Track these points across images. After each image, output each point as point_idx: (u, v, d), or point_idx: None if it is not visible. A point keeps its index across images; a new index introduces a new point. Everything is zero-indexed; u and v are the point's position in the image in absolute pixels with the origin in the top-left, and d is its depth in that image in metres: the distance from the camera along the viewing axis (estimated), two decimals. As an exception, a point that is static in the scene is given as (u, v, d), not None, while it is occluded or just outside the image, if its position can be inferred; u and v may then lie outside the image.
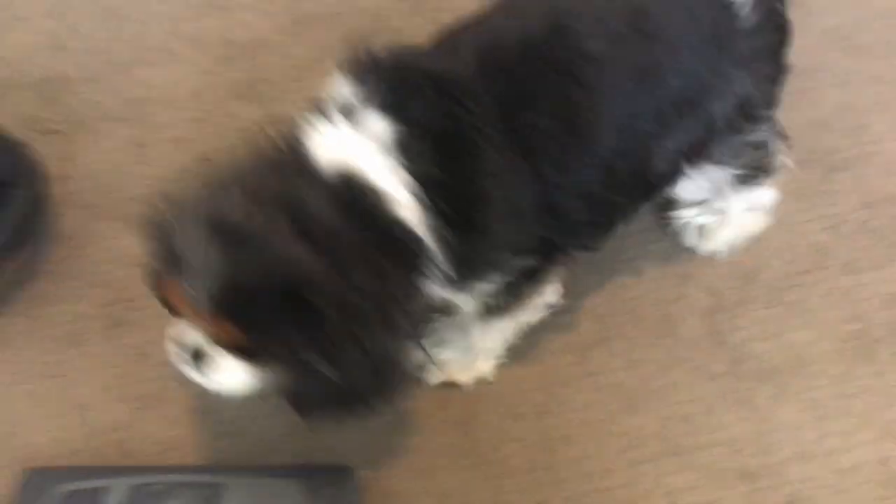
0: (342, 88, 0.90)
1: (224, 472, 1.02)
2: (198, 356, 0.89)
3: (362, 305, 0.80)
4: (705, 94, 0.96)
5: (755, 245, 1.24)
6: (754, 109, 1.00)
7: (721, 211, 1.20)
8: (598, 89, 0.91)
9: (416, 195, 0.84)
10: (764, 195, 1.19)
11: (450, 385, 1.13)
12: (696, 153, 1.01)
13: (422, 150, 0.85)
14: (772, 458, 1.04)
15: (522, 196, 0.90)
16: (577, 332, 1.17)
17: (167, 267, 0.82)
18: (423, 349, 0.91)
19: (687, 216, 1.23)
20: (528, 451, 1.07)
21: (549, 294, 1.07)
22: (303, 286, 0.78)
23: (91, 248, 1.33)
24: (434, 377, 1.13)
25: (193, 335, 0.87)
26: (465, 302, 1.00)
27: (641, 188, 1.01)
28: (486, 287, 0.97)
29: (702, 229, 1.22)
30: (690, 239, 1.23)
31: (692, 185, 1.10)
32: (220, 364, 0.87)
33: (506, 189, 0.89)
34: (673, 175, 1.03)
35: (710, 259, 1.23)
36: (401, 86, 0.88)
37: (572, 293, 1.20)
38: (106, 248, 1.33)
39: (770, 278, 1.20)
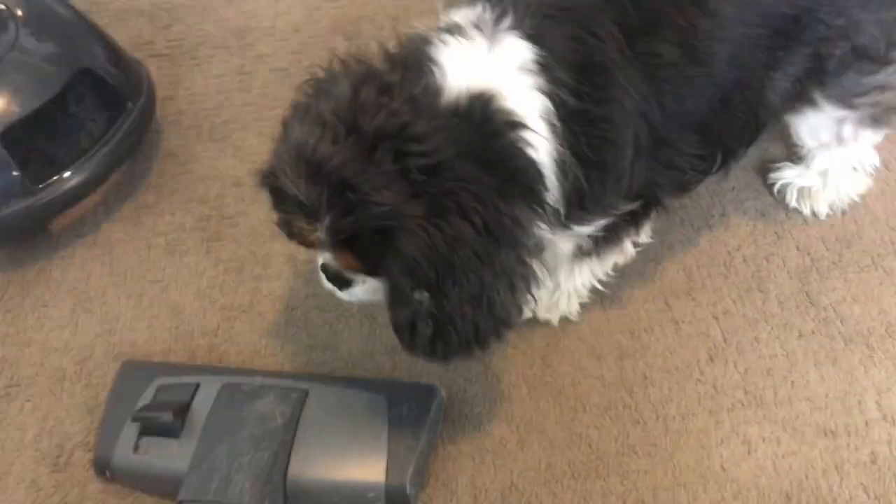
0: (475, 12, 0.87)
1: (310, 379, 1.06)
2: (334, 275, 0.91)
3: (454, 251, 0.78)
4: (811, 29, 0.94)
5: (855, 210, 1.22)
6: (873, 51, 0.97)
7: (824, 173, 1.18)
8: (719, 16, 0.89)
9: (550, 122, 0.83)
10: (870, 155, 1.17)
11: (534, 321, 1.14)
12: (810, 87, 0.99)
13: (563, 74, 0.83)
14: (855, 417, 1.02)
15: (642, 128, 0.89)
16: (663, 281, 1.17)
17: (287, 209, 0.84)
18: (532, 283, 0.88)
19: (790, 176, 1.21)
20: (607, 389, 1.07)
21: (643, 236, 1.07)
22: (393, 232, 0.78)
23: (192, 166, 1.38)
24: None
25: (332, 260, 0.89)
26: (564, 243, 1.01)
27: (752, 122, 1.00)
28: (587, 230, 0.97)
29: (803, 190, 1.20)
30: (792, 199, 1.21)
31: (812, 124, 1.09)
32: (351, 281, 0.91)
33: (631, 120, 0.88)
34: (785, 110, 1.01)
35: (807, 220, 1.21)
36: (535, 12, 0.86)
37: (662, 244, 1.20)
38: (206, 167, 1.38)
39: (868, 244, 1.18)
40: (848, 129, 1.08)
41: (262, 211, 1.31)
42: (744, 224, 1.22)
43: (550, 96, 0.83)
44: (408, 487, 0.96)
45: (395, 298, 0.84)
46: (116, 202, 1.34)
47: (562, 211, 0.89)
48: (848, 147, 1.11)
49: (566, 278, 1.10)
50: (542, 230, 0.89)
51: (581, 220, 0.94)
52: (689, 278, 1.17)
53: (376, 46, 0.89)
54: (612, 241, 1.03)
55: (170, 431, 0.99)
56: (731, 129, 0.98)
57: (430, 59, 0.83)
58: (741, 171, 1.28)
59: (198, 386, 1.04)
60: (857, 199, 1.21)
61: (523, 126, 0.82)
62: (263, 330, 1.17)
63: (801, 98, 1.00)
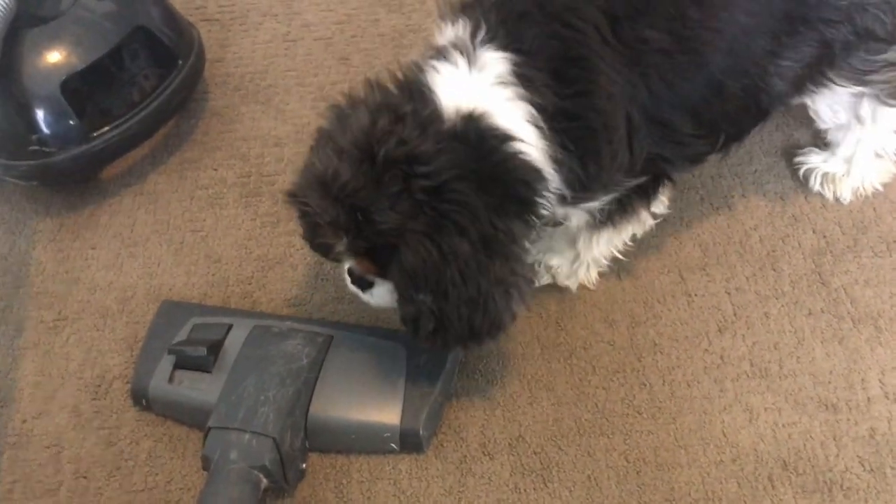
0: (455, 30, 0.94)
1: (336, 326, 1.12)
2: (359, 280, 1.01)
3: (449, 263, 0.87)
4: (815, 12, 0.96)
5: (874, 197, 1.24)
6: (879, 31, 0.99)
7: (849, 159, 1.21)
8: (712, 6, 0.92)
9: (536, 126, 0.89)
10: (893, 140, 1.19)
11: (552, 286, 1.18)
12: (820, 71, 1.01)
13: (539, 78, 0.89)
14: (857, 394, 1.05)
15: (635, 112, 0.94)
16: (679, 255, 1.21)
17: (310, 227, 0.94)
18: (525, 290, 0.95)
19: (815, 161, 1.24)
20: (618, 353, 1.12)
21: (657, 206, 1.10)
22: (399, 246, 0.88)
23: (235, 125, 1.45)
24: (540, 279, 1.19)
25: (353, 266, 0.99)
26: (576, 217, 1.06)
27: (753, 109, 1.02)
28: (594, 205, 1.02)
29: (828, 176, 1.23)
30: (815, 184, 1.24)
31: (829, 103, 1.11)
32: (374, 285, 1.00)
33: (621, 107, 0.93)
34: (795, 93, 1.04)
35: (825, 205, 1.24)
36: (509, 16, 0.91)
37: (681, 220, 1.24)
38: (248, 127, 1.45)
39: (884, 230, 1.20)
40: (865, 108, 1.10)
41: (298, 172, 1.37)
42: (763, 205, 1.25)
43: (531, 102, 0.89)
44: (421, 430, 1.02)
45: (401, 299, 0.94)
46: (163, 155, 1.42)
47: (567, 194, 0.95)
48: (867, 127, 1.13)
49: (585, 248, 1.15)
50: (550, 208, 0.96)
51: (586, 199, 1.00)
52: (704, 254, 1.21)
53: (386, 73, 0.96)
54: (625, 213, 1.07)
55: (203, 365, 1.06)
56: (726, 116, 1.01)
57: (427, 87, 0.90)
58: (764, 154, 1.31)
59: (230, 326, 1.10)
60: (880, 187, 1.23)
61: (513, 138, 0.89)
62: (294, 281, 1.24)
63: (813, 80, 1.03)
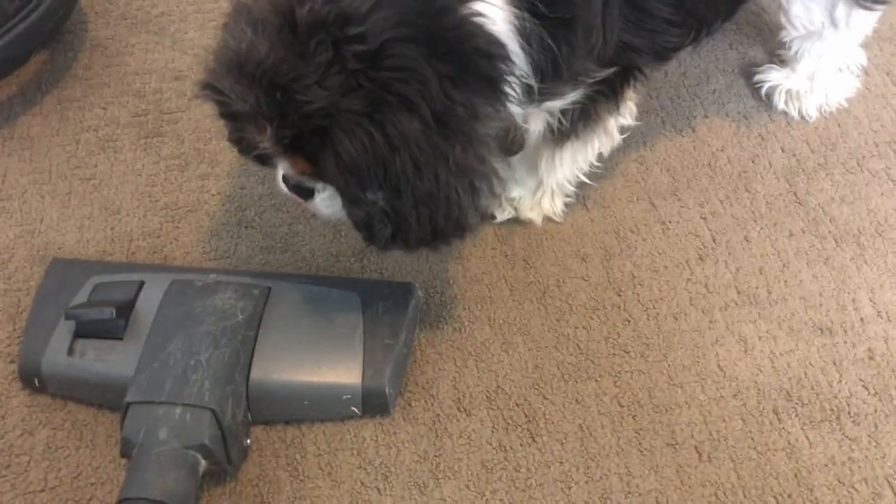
0: None
1: (272, 276, 0.94)
2: (296, 187, 0.83)
3: (398, 150, 0.72)
4: None
5: (839, 113, 1.17)
6: None
7: (811, 76, 1.14)
8: None
9: None
10: (857, 54, 1.13)
11: (514, 220, 1.05)
12: None
13: None
14: (850, 315, 0.98)
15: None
16: (647, 182, 1.10)
17: (231, 121, 0.77)
18: (496, 183, 0.80)
19: (777, 79, 1.17)
20: (594, 289, 1.00)
21: (624, 115, 0.99)
22: (333, 132, 0.71)
23: (125, 58, 1.24)
24: (502, 214, 1.05)
25: (287, 169, 0.81)
26: (536, 122, 0.92)
27: None
28: (558, 104, 0.89)
29: (791, 93, 1.16)
30: (780, 102, 1.17)
31: (805, 4, 1.04)
32: (312, 190, 0.82)
33: None
34: None
35: (790, 123, 1.17)
36: None
37: (644, 145, 1.13)
38: (140, 60, 1.23)
39: (852, 146, 1.14)
40: (841, 10, 1.03)
41: (206, 107, 1.17)
42: (727, 126, 1.16)
43: None
44: (386, 388, 0.87)
45: (346, 201, 0.78)
46: (36, 95, 1.18)
47: (534, 85, 0.81)
48: (840, 32, 1.06)
49: (548, 172, 1.02)
50: (512, 108, 0.81)
51: (552, 94, 0.85)
52: (673, 179, 1.11)
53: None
54: (591, 119, 0.94)
55: (111, 331, 0.87)
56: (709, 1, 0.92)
57: None
58: (721, 73, 1.23)
59: (142, 283, 0.91)
60: (844, 103, 1.17)
61: None
62: (213, 231, 1.05)
63: None
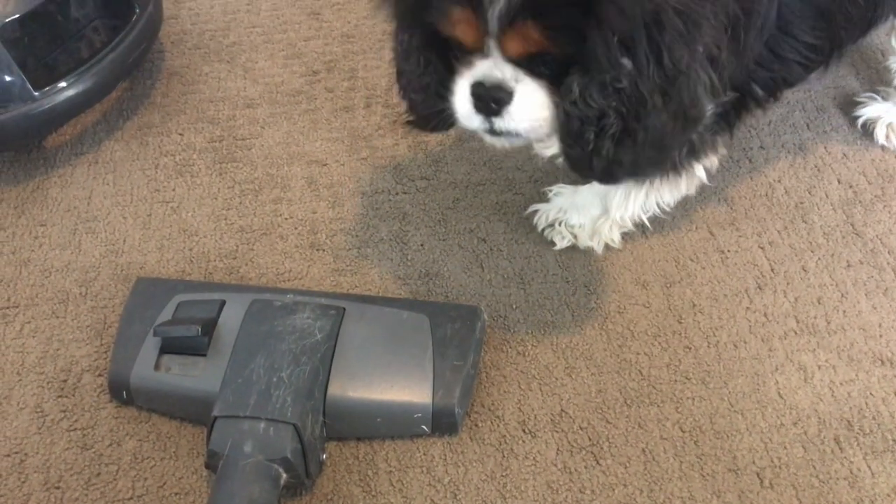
0: None
1: (347, 298, 0.98)
2: (496, 98, 0.79)
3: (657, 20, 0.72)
4: None
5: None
6: None
7: None
8: None
9: None
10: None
11: (573, 248, 1.08)
12: None
13: None
14: (910, 347, 1.00)
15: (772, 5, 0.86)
16: (705, 211, 1.13)
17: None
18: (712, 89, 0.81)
19: (878, 111, 1.19)
20: (655, 316, 1.02)
21: (700, 170, 1.01)
22: None
23: (199, 86, 1.30)
24: (561, 241, 1.08)
25: (491, 68, 0.78)
26: None
27: (870, 13, 0.97)
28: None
29: (893, 125, 1.18)
30: (881, 136, 1.19)
31: None
32: (519, 95, 0.78)
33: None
34: None
35: (846, 155, 1.19)
36: None
37: (700, 174, 1.16)
38: (214, 88, 1.29)
39: (911, 178, 1.16)
40: None
41: (277, 133, 1.23)
42: (783, 157, 1.19)
43: None
44: (456, 408, 0.90)
45: (597, 66, 0.74)
46: (118, 120, 1.25)
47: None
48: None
49: (617, 206, 1.05)
50: None
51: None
52: (731, 209, 1.13)
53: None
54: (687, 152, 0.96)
55: (196, 348, 0.91)
56: (850, 19, 0.94)
57: None
58: (777, 105, 1.25)
59: (223, 302, 0.95)
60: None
61: None
62: (286, 252, 1.09)
63: None
